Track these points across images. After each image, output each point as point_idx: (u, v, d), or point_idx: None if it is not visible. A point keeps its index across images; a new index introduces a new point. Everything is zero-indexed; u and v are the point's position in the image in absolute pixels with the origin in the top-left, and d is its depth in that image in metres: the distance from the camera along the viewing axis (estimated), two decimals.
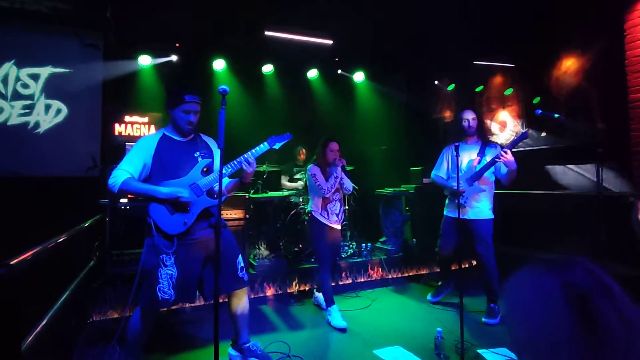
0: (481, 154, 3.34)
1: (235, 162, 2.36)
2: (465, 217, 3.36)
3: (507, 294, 0.73)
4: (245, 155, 2.36)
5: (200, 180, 2.34)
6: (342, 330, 3.20)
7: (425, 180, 4.95)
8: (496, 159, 3.10)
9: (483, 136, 3.45)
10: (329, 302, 3.38)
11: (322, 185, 3.40)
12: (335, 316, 3.30)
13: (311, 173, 3.47)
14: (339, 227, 3.62)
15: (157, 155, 2.32)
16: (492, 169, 3.26)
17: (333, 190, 3.43)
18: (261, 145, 2.45)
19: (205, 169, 2.40)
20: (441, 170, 3.62)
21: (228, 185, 2.52)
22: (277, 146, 2.50)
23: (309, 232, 3.66)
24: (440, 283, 3.80)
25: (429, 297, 3.79)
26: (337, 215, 3.56)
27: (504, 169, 3.20)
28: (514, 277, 0.73)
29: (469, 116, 3.40)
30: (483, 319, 3.28)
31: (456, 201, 3.25)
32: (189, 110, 2.34)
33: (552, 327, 0.62)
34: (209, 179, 2.36)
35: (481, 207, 3.35)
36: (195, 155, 2.41)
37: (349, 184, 3.59)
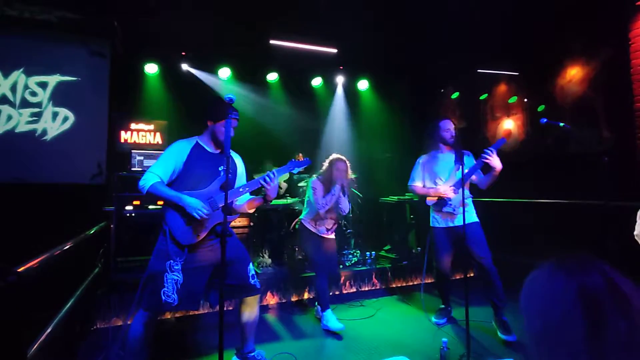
0: (458, 162, 3.18)
1: (252, 182, 2.42)
2: (457, 224, 3.33)
3: (527, 285, 0.76)
4: (266, 174, 2.38)
5: (217, 194, 2.36)
6: (339, 330, 3.22)
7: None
8: (484, 159, 3.08)
9: (458, 146, 3.34)
10: (325, 307, 3.38)
11: (318, 200, 3.41)
12: (331, 319, 3.30)
13: (312, 186, 3.49)
14: (331, 236, 3.63)
15: (188, 163, 2.35)
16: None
17: (327, 207, 3.41)
18: (282, 167, 2.52)
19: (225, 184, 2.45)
20: (417, 180, 3.56)
21: (247, 201, 2.57)
22: (295, 170, 2.60)
23: (299, 240, 3.63)
24: (442, 306, 3.58)
25: (433, 319, 3.52)
26: (328, 230, 3.57)
27: (482, 174, 3.27)
28: (535, 271, 0.77)
29: (451, 126, 3.42)
30: (502, 336, 3.07)
31: (444, 210, 3.31)
32: (233, 125, 2.41)
33: (565, 326, 0.66)
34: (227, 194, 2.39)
35: (469, 211, 3.31)
36: (220, 169, 2.44)
37: (345, 205, 3.54)
